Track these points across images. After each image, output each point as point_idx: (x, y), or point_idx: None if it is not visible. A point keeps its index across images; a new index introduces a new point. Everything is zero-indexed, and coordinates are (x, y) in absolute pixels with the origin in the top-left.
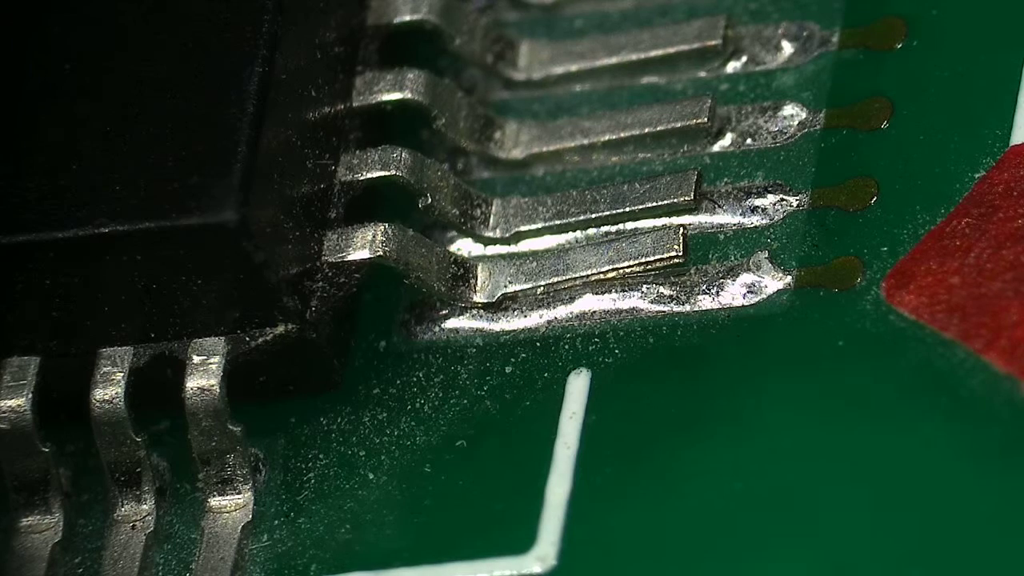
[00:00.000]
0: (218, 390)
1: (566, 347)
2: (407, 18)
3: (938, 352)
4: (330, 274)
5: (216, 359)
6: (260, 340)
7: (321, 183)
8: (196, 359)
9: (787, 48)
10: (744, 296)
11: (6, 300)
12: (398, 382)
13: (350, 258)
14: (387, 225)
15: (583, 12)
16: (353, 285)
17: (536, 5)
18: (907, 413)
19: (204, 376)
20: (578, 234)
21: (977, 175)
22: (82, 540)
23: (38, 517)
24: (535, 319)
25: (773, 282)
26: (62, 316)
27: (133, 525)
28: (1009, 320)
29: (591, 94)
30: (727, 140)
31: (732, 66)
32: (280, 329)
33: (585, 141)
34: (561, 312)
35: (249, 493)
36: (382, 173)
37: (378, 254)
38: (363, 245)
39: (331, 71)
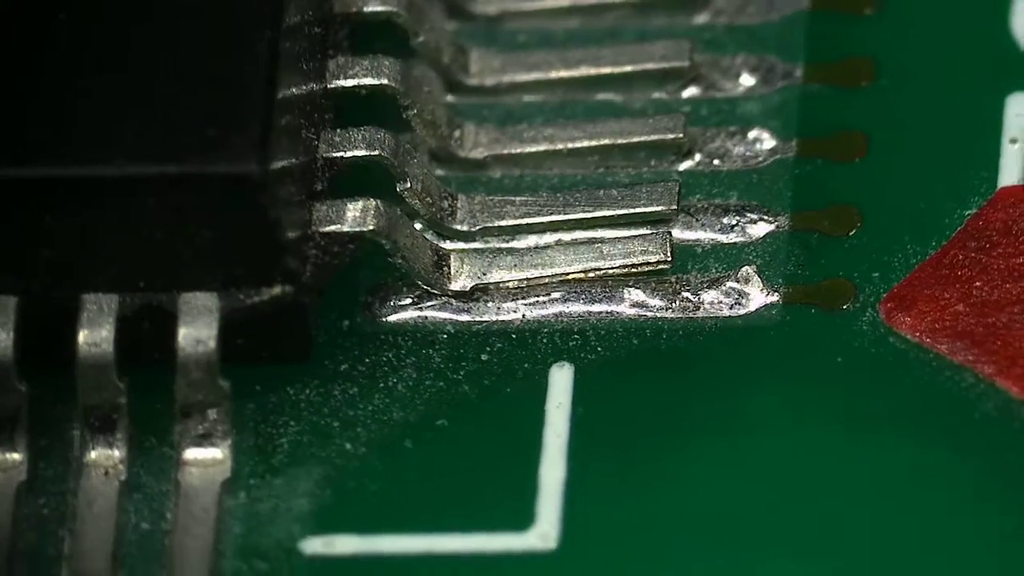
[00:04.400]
0: (213, 343)
1: (544, 341)
2: (377, 8)
3: (946, 375)
4: (323, 243)
5: (212, 313)
6: (256, 299)
7: (310, 154)
8: (190, 311)
9: (747, 78)
10: (731, 308)
11: None
12: (367, 360)
13: (343, 230)
14: (379, 201)
15: (526, 27)
16: (346, 256)
17: (480, 16)
18: (911, 431)
19: (200, 327)
20: (551, 235)
21: (968, 212)
22: (44, 483)
23: (4, 455)
24: (508, 313)
25: (761, 295)
26: (51, 257)
27: (106, 471)
28: None
29: (543, 105)
30: (695, 160)
31: (691, 91)
32: (276, 290)
33: (548, 147)
34: (536, 308)
35: (228, 449)
36: (366, 152)
37: (370, 228)
38: (355, 218)
39: (313, 49)
